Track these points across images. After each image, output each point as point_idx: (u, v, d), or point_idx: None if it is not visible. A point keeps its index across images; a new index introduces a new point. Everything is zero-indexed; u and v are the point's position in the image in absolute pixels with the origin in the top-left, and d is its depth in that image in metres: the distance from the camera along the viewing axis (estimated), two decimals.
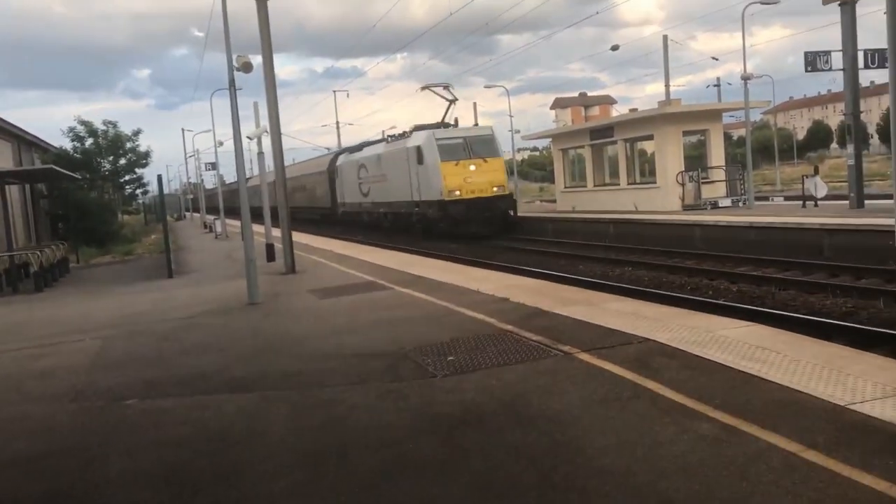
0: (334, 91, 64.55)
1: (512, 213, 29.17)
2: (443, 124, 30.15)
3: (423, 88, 30.78)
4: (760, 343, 6.80)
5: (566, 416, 5.32)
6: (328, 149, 62.53)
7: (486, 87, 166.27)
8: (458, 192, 27.51)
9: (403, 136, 32.07)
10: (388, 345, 8.27)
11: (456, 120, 30.62)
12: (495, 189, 28.25)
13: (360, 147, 39.41)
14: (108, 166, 47.58)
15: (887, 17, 4.13)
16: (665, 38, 31.36)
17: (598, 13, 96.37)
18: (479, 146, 28.55)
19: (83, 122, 45.44)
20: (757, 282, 13.45)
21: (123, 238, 40.02)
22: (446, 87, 30.85)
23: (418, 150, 28.78)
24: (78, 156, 44.17)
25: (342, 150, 44.69)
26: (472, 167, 27.92)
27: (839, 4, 19.78)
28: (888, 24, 4.13)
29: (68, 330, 11.74)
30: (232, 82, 13.85)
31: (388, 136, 34.66)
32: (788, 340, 6.98)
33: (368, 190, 35.32)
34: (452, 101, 30.80)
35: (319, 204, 45.89)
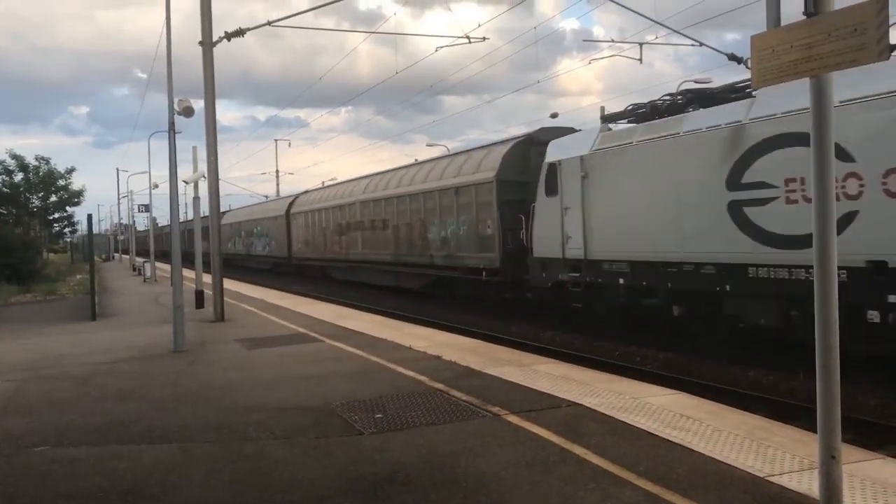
0: (276, 140, 64.19)
1: None
2: None
3: None
4: (684, 411, 6.91)
5: (492, 479, 5.28)
6: (266, 196, 59.46)
7: (428, 145, 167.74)
8: None
9: None
10: (315, 399, 8.13)
11: None
12: None
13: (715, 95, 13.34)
14: (37, 203, 46.32)
15: (811, 100, 4.36)
16: (602, 109, 32.28)
17: (539, 82, 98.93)
18: None
19: (14, 156, 44.34)
20: (685, 351, 13.70)
21: (47, 277, 38.77)
22: None
23: None
24: (6, 190, 42.91)
25: (558, 130, 18.63)
26: None
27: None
28: (812, 105, 4.35)
29: None
30: (171, 126, 13.73)
31: None
32: (712, 410, 7.11)
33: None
34: None
35: (448, 259, 21.43)
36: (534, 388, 8.19)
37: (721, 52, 15.68)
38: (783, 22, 4.66)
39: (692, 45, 16.90)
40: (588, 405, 7.27)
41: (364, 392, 8.34)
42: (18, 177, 44.66)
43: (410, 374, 9.34)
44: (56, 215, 50.83)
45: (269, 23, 18.44)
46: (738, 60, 15.11)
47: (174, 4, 14.26)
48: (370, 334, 13.31)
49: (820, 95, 4.38)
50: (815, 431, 4.59)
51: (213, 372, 10.40)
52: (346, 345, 12.14)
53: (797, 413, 8.78)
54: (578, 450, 5.83)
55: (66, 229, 60.78)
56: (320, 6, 18.32)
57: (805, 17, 4.37)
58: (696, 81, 28.22)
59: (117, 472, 5.89)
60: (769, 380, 11.22)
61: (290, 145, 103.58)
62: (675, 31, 16.22)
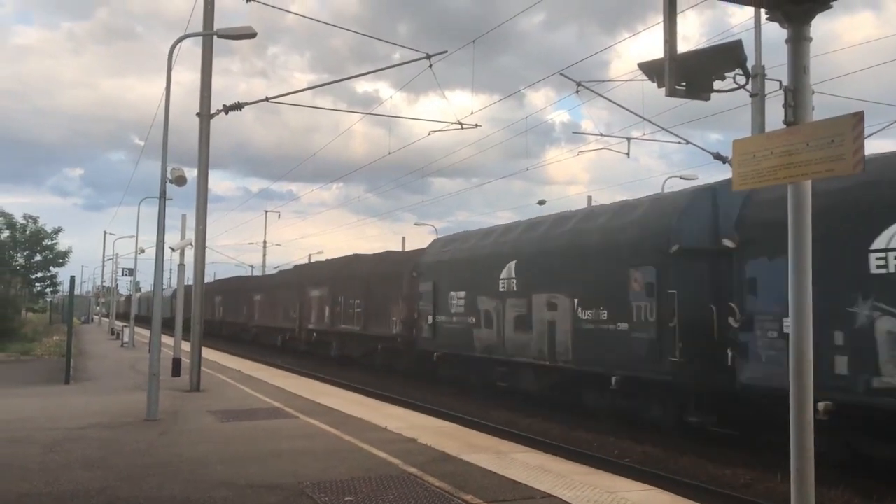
0: (266, 211, 64.44)
1: None
2: None
3: None
4: None
5: None
6: (252, 266, 59.44)
7: (416, 224, 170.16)
8: None
9: None
10: (286, 477, 7.97)
11: None
12: None
13: None
14: (21, 261, 46.10)
15: (790, 205, 4.48)
16: (589, 198, 32.79)
17: (528, 169, 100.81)
18: None
19: (2, 214, 44.35)
20: (662, 444, 13.58)
21: (23, 336, 38.17)
22: None
23: None
24: None
25: None
26: None
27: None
28: (790, 210, 4.48)
29: None
30: (163, 193, 13.79)
31: None
32: None
33: None
34: None
35: None
36: (509, 477, 8.06)
37: (706, 151, 16.08)
38: (767, 127, 4.82)
39: (678, 142, 17.35)
40: (563, 497, 7.16)
41: (336, 472, 8.19)
42: (4, 234, 44.57)
43: (384, 455, 9.20)
44: (39, 274, 50.46)
45: (267, 99, 18.80)
46: (723, 160, 15.47)
47: (176, 76, 14.59)
48: (346, 412, 13.13)
49: (798, 201, 4.50)
50: None
51: (183, 443, 10.19)
52: (321, 422, 11.96)
53: None
54: None
55: (48, 289, 60.19)
56: (318, 86, 18.78)
57: (785, 126, 4.54)
58: (681, 178, 28.72)
59: None
60: (746, 479, 11.09)
61: (279, 217, 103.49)
62: (661, 128, 16.67)
